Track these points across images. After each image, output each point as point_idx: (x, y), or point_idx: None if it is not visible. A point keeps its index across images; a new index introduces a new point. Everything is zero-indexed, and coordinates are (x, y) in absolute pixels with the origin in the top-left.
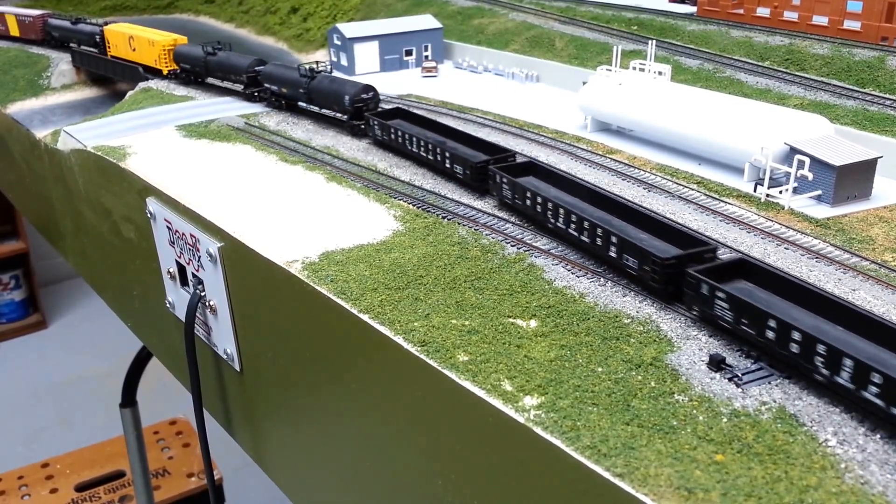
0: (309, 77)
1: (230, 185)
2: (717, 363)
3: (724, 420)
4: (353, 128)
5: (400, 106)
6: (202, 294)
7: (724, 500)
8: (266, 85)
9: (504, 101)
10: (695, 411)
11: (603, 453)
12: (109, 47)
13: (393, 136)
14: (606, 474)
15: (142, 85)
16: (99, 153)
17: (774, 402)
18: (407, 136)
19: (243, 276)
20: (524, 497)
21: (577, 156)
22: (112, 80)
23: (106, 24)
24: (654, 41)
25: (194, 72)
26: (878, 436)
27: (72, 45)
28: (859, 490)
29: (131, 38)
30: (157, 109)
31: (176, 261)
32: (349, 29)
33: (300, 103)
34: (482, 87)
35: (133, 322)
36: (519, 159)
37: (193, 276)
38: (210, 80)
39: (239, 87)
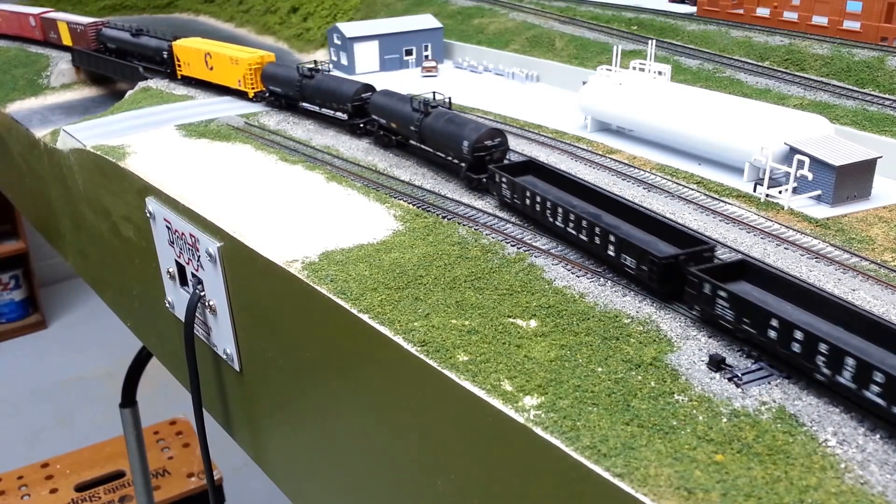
0: (422, 112)
1: (230, 184)
2: (716, 363)
3: (724, 420)
4: (470, 181)
5: (533, 159)
6: (202, 294)
7: (723, 500)
8: (374, 117)
9: (504, 101)
10: (695, 411)
11: (603, 453)
12: (180, 65)
13: (527, 202)
14: (606, 474)
15: (141, 84)
16: (98, 153)
17: (774, 402)
18: (547, 203)
19: (243, 276)
20: (524, 497)
21: (577, 156)
22: (111, 79)
23: (175, 38)
24: (654, 41)
25: (286, 96)
26: (878, 436)
27: (132, 60)
28: (859, 490)
29: (208, 55)
30: (157, 109)
31: (175, 261)
32: (349, 28)
33: (411, 141)
34: (482, 87)
35: (132, 322)
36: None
37: (193, 275)
38: (305, 105)
39: (342, 117)
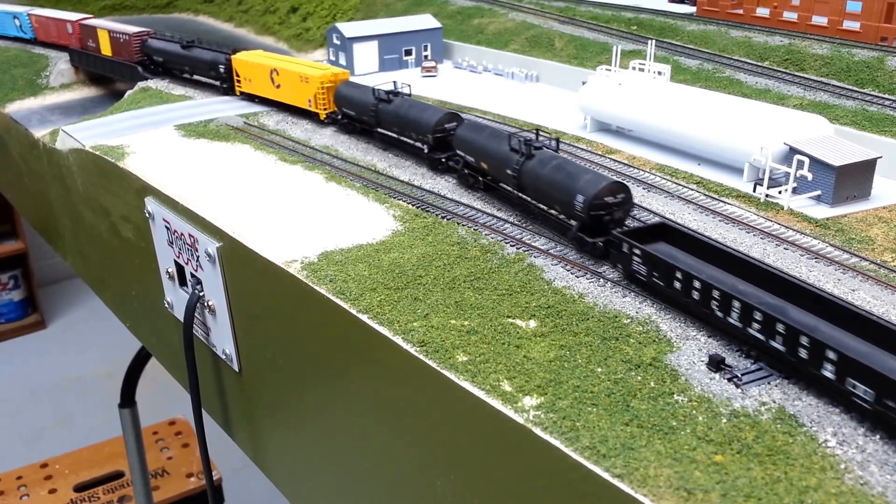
0: (523, 154)
1: (229, 184)
2: (716, 363)
3: (724, 420)
4: (582, 243)
5: (665, 219)
6: (201, 294)
7: (723, 500)
8: (460, 153)
9: (504, 101)
10: (694, 412)
11: (602, 454)
12: (240, 81)
13: (674, 283)
14: (606, 475)
15: (140, 84)
16: (97, 153)
17: (774, 402)
18: (713, 291)
19: (242, 277)
20: (523, 498)
21: (577, 156)
22: (111, 79)
23: (235, 50)
24: (654, 41)
25: (360, 120)
26: (878, 436)
27: (180, 72)
28: (859, 491)
29: (275, 71)
30: (156, 109)
31: (175, 261)
32: (348, 28)
33: (502, 185)
34: (482, 87)
35: (132, 322)
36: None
37: (192, 276)
38: (381, 131)
39: (421, 146)
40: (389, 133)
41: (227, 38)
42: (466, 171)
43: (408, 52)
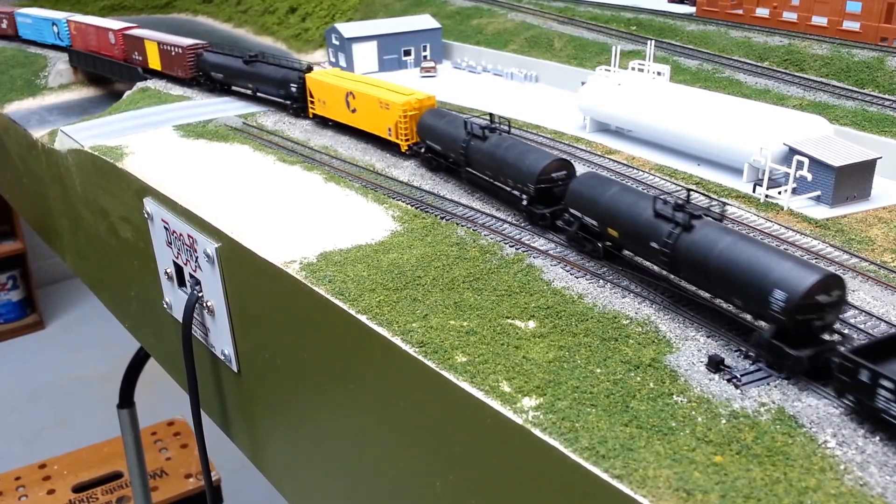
0: (681, 224)
1: (228, 185)
2: (715, 364)
3: (723, 421)
4: (810, 365)
5: None
6: (200, 295)
7: (722, 501)
8: (573, 211)
9: (503, 101)
10: (694, 412)
11: (602, 455)
12: (313, 102)
13: None
14: (605, 476)
15: (139, 85)
16: (96, 153)
17: (773, 403)
18: None
19: (241, 277)
20: (522, 499)
21: (576, 156)
22: (109, 79)
23: (309, 68)
24: (653, 41)
25: (447, 157)
26: (878, 438)
27: (241, 89)
28: (858, 492)
29: (351, 94)
30: (155, 109)
31: (173, 261)
32: (348, 29)
33: (645, 261)
34: (481, 87)
35: (130, 323)
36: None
37: (191, 276)
38: (470, 172)
39: (519, 196)
40: (481, 175)
41: (225, 39)
42: (582, 235)
43: (407, 53)
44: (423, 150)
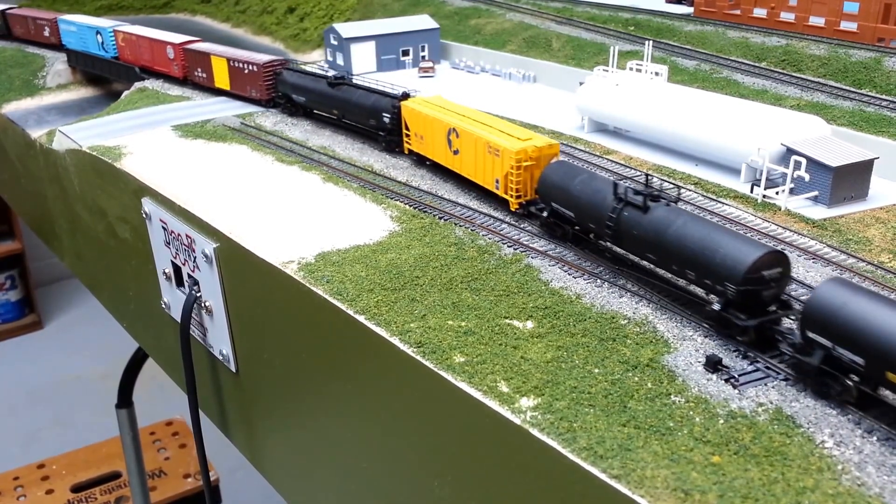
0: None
1: (226, 185)
2: (713, 364)
3: (721, 421)
4: None
5: None
6: (198, 295)
7: (720, 501)
8: (820, 339)
9: (501, 102)
10: (691, 413)
11: (599, 455)
12: (409, 136)
13: None
14: (603, 476)
15: (137, 85)
16: (94, 153)
17: (771, 403)
18: None
19: (239, 277)
20: (520, 499)
21: (574, 156)
22: (108, 79)
23: (405, 95)
24: (651, 42)
25: (584, 227)
26: (875, 437)
27: (323, 113)
28: (856, 492)
29: (454, 131)
30: (153, 109)
31: (171, 261)
32: (346, 29)
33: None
34: (479, 88)
35: (129, 323)
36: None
37: (189, 276)
38: (621, 251)
39: (705, 294)
40: (640, 261)
41: (224, 39)
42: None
43: (405, 53)
44: (544, 213)
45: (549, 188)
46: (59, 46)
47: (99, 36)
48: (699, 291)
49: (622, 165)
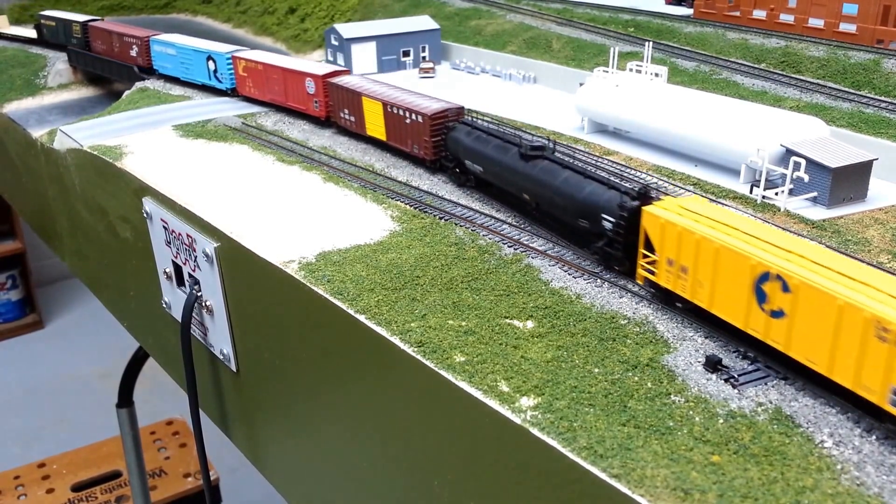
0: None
1: (227, 185)
2: (713, 364)
3: (721, 421)
4: None
5: None
6: (198, 294)
7: (720, 501)
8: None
9: (501, 102)
10: (691, 412)
11: (599, 454)
12: (655, 262)
13: None
14: (603, 475)
15: (138, 84)
16: (95, 153)
17: (771, 403)
18: None
19: (240, 277)
20: (520, 498)
21: (574, 157)
22: (108, 79)
23: (646, 193)
24: (651, 43)
25: None
26: (874, 437)
27: (511, 191)
28: (855, 492)
29: (778, 279)
30: (154, 109)
31: (172, 261)
32: (347, 29)
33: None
34: (479, 88)
35: (129, 322)
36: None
37: (190, 276)
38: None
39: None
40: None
41: (225, 39)
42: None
43: (406, 53)
44: None
45: None
46: (148, 70)
47: (211, 62)
48: None
49: (622, 166)
